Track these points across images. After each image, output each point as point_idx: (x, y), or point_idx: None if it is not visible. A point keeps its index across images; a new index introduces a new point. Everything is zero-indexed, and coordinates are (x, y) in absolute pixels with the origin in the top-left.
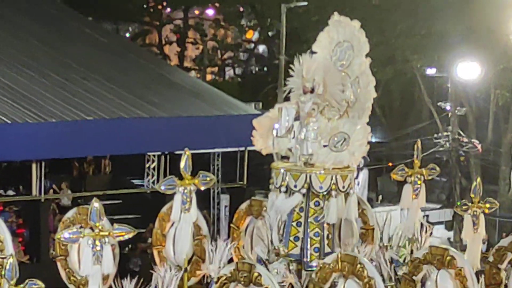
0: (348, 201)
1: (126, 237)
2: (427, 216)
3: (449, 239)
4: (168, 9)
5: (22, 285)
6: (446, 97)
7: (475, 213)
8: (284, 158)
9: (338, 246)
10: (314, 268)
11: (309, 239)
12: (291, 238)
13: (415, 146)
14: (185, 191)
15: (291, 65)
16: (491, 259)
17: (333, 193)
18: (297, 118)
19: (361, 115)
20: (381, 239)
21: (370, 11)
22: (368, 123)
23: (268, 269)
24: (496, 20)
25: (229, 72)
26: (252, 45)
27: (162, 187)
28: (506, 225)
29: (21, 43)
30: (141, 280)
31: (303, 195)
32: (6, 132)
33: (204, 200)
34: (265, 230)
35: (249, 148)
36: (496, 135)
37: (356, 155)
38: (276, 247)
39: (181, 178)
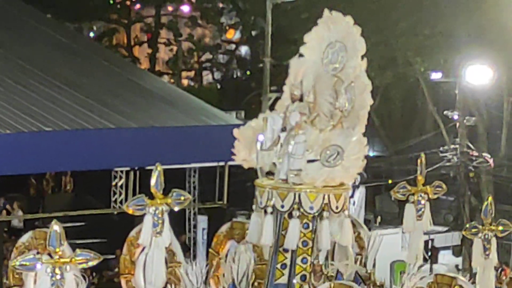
0: (342, 223)
1: (90, 264)
2: (432, 240)
3: (457, 266)
4: (138, 6)
5: None
6: (454, 105)
7: (486, 236)
8: (269, 174)
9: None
10: None
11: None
12: (278, 266)
13: (419, 160)
14: (157, 211)
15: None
16: None
17: (325, 214)
18: (284, 129)
19: (356, 125)
20: (365, 264)
21: (367, 8)
22: (364, 135)
23: None
24: (510, 18)
25: (207, 76)
26: (233, 46)
27: (131, 208)
28: None
29: None
30: None
31: (297, 218)
32: None
33: (179, 222)
34: (247, 257)
35: (229, 163)
36: (510, 148)
37: (351, 171)
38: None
39: (152, 197)
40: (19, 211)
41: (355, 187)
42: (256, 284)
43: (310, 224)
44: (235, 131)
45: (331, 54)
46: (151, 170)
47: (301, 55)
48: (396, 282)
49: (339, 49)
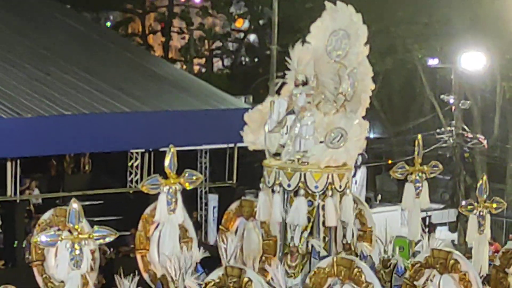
0: (345, 201)
1: (107, 240)
2: (430, 217)
3: (452, 241)
4: None
5: None
6: (450, 89)
7: (481, 213)
8: (277, 155)
9: (334, 249)
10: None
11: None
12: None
13: (416, 142)
14: (170, 190)
15: (286, 58)
16: (497, 262)
17: (329, 193)
18: (290, 112)
19: (358, 109)
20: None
21: None
22: (365, 118)
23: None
24: (504, 7)
25: (217, 63)
26: (242, 34)
27: (146, 187)
28: None
29: None
30: None
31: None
32: None
33: (191, 200)
34: (256, 233)
35: (239, 144)
36: (503, 130)
37: (353, 152)
38: None
39: (165, 177)
40: (36, 190)
41: (357, 167)
42: (263, 258)
43: (314, 202)
44: (245, 116)
45: (335, 41)
46: (164, 151)
47: (306, 43)
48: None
49: (342, 37)
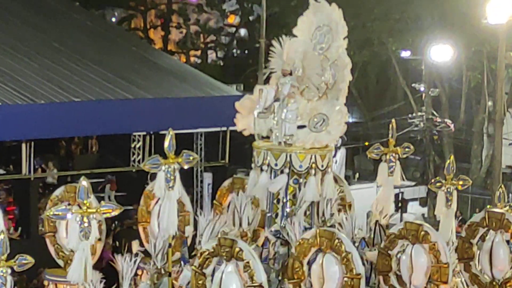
0: (326, 179)
1: (113, 214)
2: (402, 193)
3: (423, 215)
4: None
5: (12, 260)
6: (420, 78)
7: (448, 189)
8: (265, 138)
9: (316, 222)
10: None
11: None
12: (273, 215)
13: (390, 125)
14: (169, 169)
15: (271, 48)
16: (463, 234)
17: (312, 171)
18: (277, 100)
19: (339, 96)
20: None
21: None
22: (345, 104)
23: None
24: (468, 4)
25: (211, 55)
26: (234, 29)
27: (147, 166)
28: (478, 201)
29: (9, 26)
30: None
31: (287, 174)
32: None
33: (188, 178)
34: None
35: (231, 128)
36: (468, 115)
37: (334, 134)
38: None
39: (165, 157)
40: (54, 170)
41: (337, 148)
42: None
43: (299, 180)
44: (237, 104)
45: (319, 35)
46: (164, 134)
47: (294, 36)
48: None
49: (325, 32)
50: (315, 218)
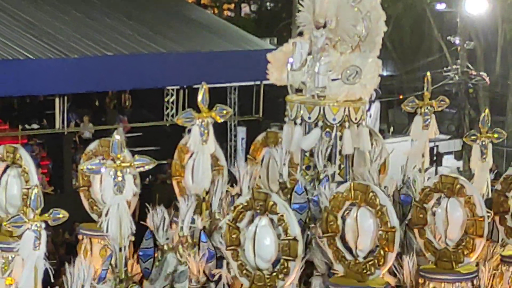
0: (360, 132)
1: (147, 168)
2: (437, 146)
3: (458, 168)
4: None
5: (46, 214)
6: (455, 31)
7: (483, 143)
8: (298, 91)
9: (350, 175)
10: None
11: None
12: (304, 167)
13: (425, 79)
14: (203, 123)
15: (299, 1)
16: (499, 187)
17: (346, 124)
18: (310, 53)
19: (372, 49)
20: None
21: None
22: (379, 57)
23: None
24: None
25: (244, 8)
26: None
27: (181, 120)
28: None
29: None
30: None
31: (321, 128)
32: (30, 68)
33: (222, 132)
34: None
35: (264, 82)
36: (503, 68)
37: (368, 87)
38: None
39: (198, 111)
40: (89, 124)
41: (371, 101)
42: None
43: (331, 133)
44: (269, 55)
45: None
46: (197, 88)
47: None
48: None
49: None
50: (348, 171)
